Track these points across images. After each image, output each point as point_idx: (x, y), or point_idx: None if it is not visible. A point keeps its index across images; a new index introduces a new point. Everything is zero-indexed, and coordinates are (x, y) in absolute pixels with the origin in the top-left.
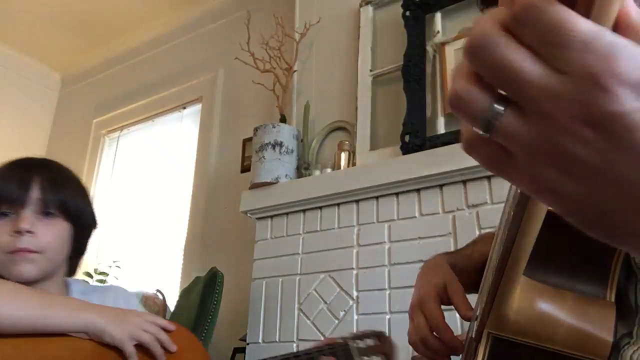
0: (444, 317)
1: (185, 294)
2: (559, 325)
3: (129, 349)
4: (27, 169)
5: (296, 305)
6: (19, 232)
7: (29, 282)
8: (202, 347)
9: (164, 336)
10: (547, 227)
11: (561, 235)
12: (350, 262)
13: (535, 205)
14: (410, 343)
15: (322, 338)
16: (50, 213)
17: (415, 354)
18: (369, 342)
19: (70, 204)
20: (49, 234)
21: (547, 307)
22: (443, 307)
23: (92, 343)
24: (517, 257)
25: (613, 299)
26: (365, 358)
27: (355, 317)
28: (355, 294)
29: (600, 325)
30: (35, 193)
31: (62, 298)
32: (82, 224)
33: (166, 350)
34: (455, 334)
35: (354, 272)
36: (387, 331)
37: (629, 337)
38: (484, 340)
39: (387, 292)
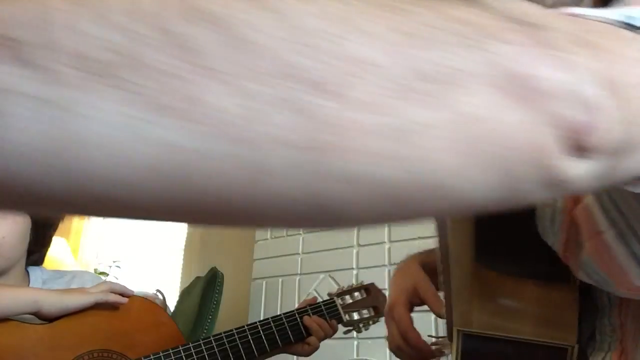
0: (411, 322)
1: (185, 294)
2: (522, 314)
3: (103, 295)
4: None
5: (296, 305)
6: None
7: None
8: (171, 320)
9: (118, 286)
10: (497, 217)
11: (513, 225)
12: (350, 262)
13: None
14: (391, 351)
15: None
16: None
17: None
18: (357, 295)
19: None
20: (2, 228)
21: (508, 298)
22: (422, 307)
23: (44, 327)
24: (458, 254)
25: (577, 281)
26: (354, 314)
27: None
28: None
29: (564, 310)
30: None
31: (4, 285)
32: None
33: (125, 296)
34: (430, 333)
35: (354, 272)
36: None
37: (593, 340)
38: (454, 338)
39: (387, 292)
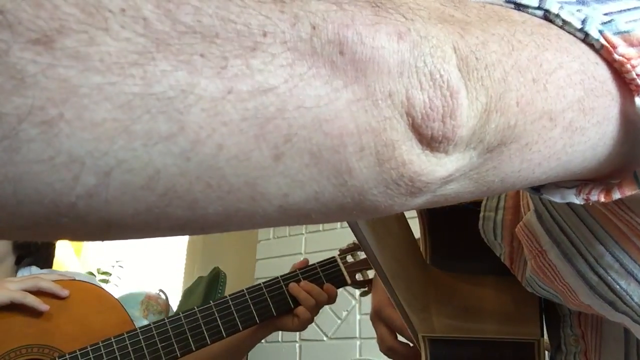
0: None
1: (188, 293)
2: (483, 313)
3: (18, 295)
4: None
5: None
6: None
7: None
8: (120, 307)
9: (45, 284)
10: (449, 219)
11: (465, 224)
12: None
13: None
14: (383, 353)
15: (325, 338)
16: None
17: None
18: (361, 255)
19: None
20: None
21: (466, 298)
22: None
23: None
24: (392, 269)
25: None
26: (357, 274)
27: (358, 317)
28: (357, 293)
29: (524, 306)
30: None
31: None
32: None
33: (56, 297)
34: None
35: None
36: None
37: (560, 352)
38: (421, 344)
39: None
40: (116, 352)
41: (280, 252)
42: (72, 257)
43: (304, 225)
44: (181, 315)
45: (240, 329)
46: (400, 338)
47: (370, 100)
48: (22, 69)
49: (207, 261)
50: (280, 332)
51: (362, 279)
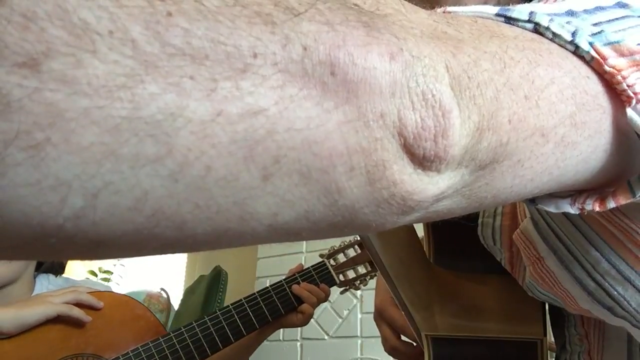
0: (405, 319)
1: (189, 292)
2: (486, 312)
3: (63, 308)
4: None
5: None
6: None
7: None
8: (147, 311)
9: (84, 297)
10: (448, 221)
11: (460, 223)
12: None
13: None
14: (387, 353)
15: (326, 337)
16: None
17: None
18: (349, 253)
19: None
20: None
21: (469, 297)
22: None
23: (9, 342)
24: (395, 269)
25: None
26: (349, 272)
27: (359, 315)
28: (359, 292)
29: (527, 304)
30: None
31: None
32: None
33: (93, 308)
34: None
35: None
36: None
37: (565, 351)
38: (424, 343)
39: None
40: (155, 355)
41: (281, 251)
42: None
43: None
44: (206, 318)
45: (257, 327)
46: (405, 338)
47: (361, 121)
48: (8, 92)
49: (208, 260)
50: (281, 331)
51: (343, 279)
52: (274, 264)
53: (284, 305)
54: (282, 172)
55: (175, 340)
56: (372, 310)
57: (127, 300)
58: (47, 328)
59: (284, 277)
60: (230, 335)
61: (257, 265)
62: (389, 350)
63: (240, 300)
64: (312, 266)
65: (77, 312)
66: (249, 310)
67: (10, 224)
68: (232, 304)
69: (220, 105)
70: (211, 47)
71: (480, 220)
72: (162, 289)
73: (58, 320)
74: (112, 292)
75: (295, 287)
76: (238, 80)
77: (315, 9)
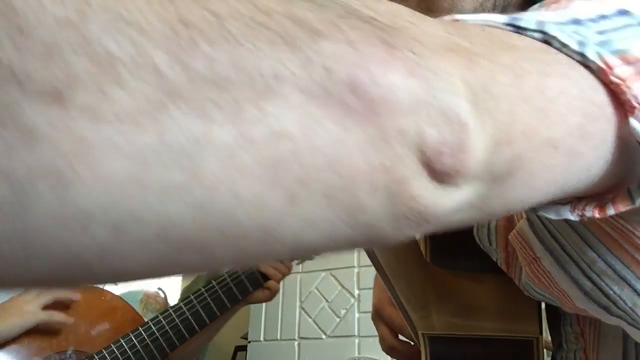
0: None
1: (186, 292)
2: (482, 311)
3: (43, 315)
4: None
5: (297, 304)
6: None
7: None
8: (125, 303)
9: (60, 294)
10: None
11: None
12: (351, 260)
13: None
14: (385, 352)
15: (324, 337)
16: None
17: None
18: None
19: None
20: None
21: (466, 296)
22: None
23: None
24: (392, 268)
25: None
26: None
27: (357, 315)
28: (356, 292)
29: (523, 302)
30: None
31: None
32: None
33: (70, 302)
34: None
35: (355, 270)
36: None
37: (561, 349)
38: (421, 342)
39: None
40: (137, 345)
41: None
42: None
43: None
44: (181, 304)
45: (229, 307)
46: (402, 337)
47: (382, 139)
48: (32, 124)
49: None
50: (279, 330)
51: None
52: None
53: (251, 283)
54: (307, 193)
55: (154, 328)
56: (370, 309)
57: (101, 292)
58: (24, 334)
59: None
60: (205, 318)
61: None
62: (387, 349)
63: (211, 282)
64: None
65: (58, 317)
66: (220, 292)
67: (33, 256)
68: (203, 287)
69: (244, 129)
70: (233, 71)
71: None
72: (159, 289)
73: (37, 326)
74: (99, 289)
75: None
76: (261, 103)
77: (335, 27)
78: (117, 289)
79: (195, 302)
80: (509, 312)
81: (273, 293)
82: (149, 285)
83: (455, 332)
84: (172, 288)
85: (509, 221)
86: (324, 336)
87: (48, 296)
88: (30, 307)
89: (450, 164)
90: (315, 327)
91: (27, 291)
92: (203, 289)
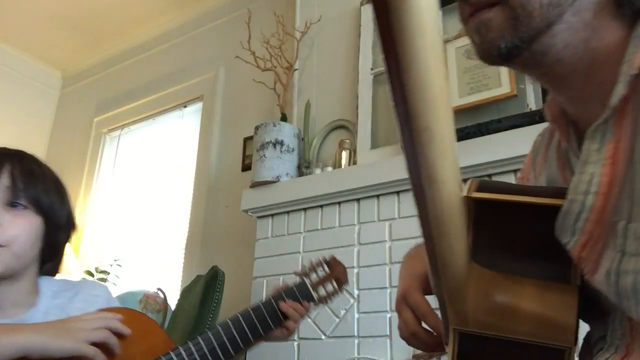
0: (429, 305)
1: (186, 292)
2: (519, 314)
3: (89, 350)
4: None
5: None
6: None
7: None
8: (159, 328)
9: (114, 324)
10: (497, 216)
11: (515, 221)
12: (351, 261)
13: (440, 206)
14: (403, 339)
15: (323, 337)
16: (19, 204)
17: (417, 352)
18: (320, 272)
19: (42, 197)
20: (15, 225)
21: (504, 297)
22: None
23: None
24: (445, 258)
25: (578, 282)
26: (321, 289)
27: (356, 315)
28: (356, 292)
29: (562, 311)
30: (4, 182)
31: None
32: (56, 221)
33: (121, 336)
34: None
35: (355, 270)
36: (387, 330)
37: (603, 341)
38: (451, 336)
39: (388, 290)
40: None
41: (278, 251)
42: (70, 255)
43: (302, 224)
44: (209, 333)
45: (252, 341)
46: (424, 325)
47: None
48: None
49: (205, 260)
50: None
51: (324, 293)
52: (271, 264)
53: (273, 320)
54: None
55: (185, 355)
56: (369, 310)
57: (139, 315)
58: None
59: (271, 294)
60: (231, 350)
61: (254, 265)
62: (408, 335)
63: (236, 315)
64: (294, 284)
65: (114, 342)
66: (244, 325)
67: None
68: (229, 319)
69: None
70: None
71: (569, 197)
72: (159, 289)
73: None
74: (127, 308)
75: (282, 304)
76: None
77: None
78: (117, 289)
79: (222, 333)
80: (547, 319)
81: (290, 332)
82: (149, 286)
83: (487, 331)
84: (172, 288)
85: (607, 202)
86: (323, 336)
87: (102, 323)
88: (82, 336)
89: None
90: (315, 327)
91: (86, 319)
92: (229, 321)
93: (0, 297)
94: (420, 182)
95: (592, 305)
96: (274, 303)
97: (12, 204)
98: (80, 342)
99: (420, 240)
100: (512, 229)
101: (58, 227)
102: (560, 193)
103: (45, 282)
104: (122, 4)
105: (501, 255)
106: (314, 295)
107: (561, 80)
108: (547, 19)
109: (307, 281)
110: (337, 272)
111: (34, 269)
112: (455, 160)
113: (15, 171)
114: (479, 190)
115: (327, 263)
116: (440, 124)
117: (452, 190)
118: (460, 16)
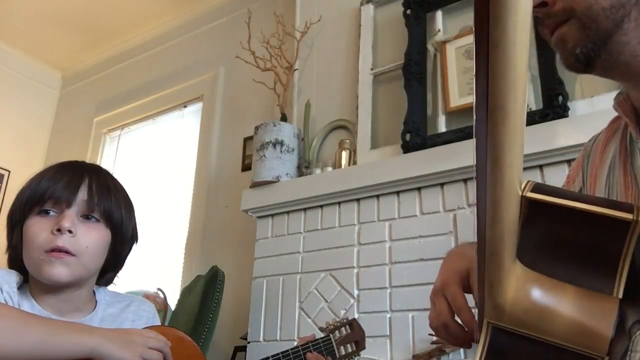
0: (466, 300)
1: (186, 292)
2: (557, 317)
3: None
4: (78, 171)
5: (297, 304)
6: (59, 231)
7: (59, 285)
8: (201, 353)
9: (167, 349)
10: (549, 219)
11: (566, 226)
12: (351, 261)
13: (501, 190)
14: (432, 328)
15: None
16: (92, 217)
17: (416, 352)
18: (343, 331)
19: (114, 212)
20: (88, 237)
21: (545, 299)
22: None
23: None
24: (495, 246)
25: (621, 295)
26: (342, 348)
27: (356, 315)
28: (356, 292)
29: (600, 320)
30: (82, 195)
31: (65, 324)
32: (122, 235)
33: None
34: (430, 332)
35: (355, 270)
36: (387, 330)
37: (638, 326)
38: (484, 329)
39: (388, 290)
40: None
41: (278, 251)
42: None
43: (303, 224)
44: None
45: None
46: (457, 319)
47: None
48: None
49: (205, 260)
50: (278, 331)
51: (343, 352)
52: (271, 264)
53: None
54: None
55: None
56: (369, 310)
57: (182, 337)
58: None
59: (300, 344)
60: None
61: (254, 265)
62: (439, 325)
63: (268, 357)
64: (320, 339)
65: None
66: None
67: None
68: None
69: None
70: None
71: None
72: (159, 289)
73: None
74: (172, 327)
75: (308, 355)
76: None
77: None
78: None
79: None
80: (585, 327)
81: None
82: (149, 286)
83: (522, 329)
84: (172, 288)
85: None
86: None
87: (158, 345)
88: (140, 351)
89: None
90: (315, 327)
91: (147, 336)
92: None
93: (63, 303)
94: (485, 163)
95: (633, 288)
96: (302, 352)
97: (87, 217)
98: (137, 357)
99: (419, 241)
100: (561, 233)
101: (124, 240)
102: (614, 204)
103: (100, 291)
104: (122, 4)
105: (546, 258)
106: (337, 353)
107: None
108: (613, 20)
109: (332, 338)
110: (357, 336)
111: (94, 279)
112: (522, 146)
113: (93, 186)
114: (534, 191)
115: (350, 325)
116: (516, 105)
117: (514, 176)
118: (545, 38)
